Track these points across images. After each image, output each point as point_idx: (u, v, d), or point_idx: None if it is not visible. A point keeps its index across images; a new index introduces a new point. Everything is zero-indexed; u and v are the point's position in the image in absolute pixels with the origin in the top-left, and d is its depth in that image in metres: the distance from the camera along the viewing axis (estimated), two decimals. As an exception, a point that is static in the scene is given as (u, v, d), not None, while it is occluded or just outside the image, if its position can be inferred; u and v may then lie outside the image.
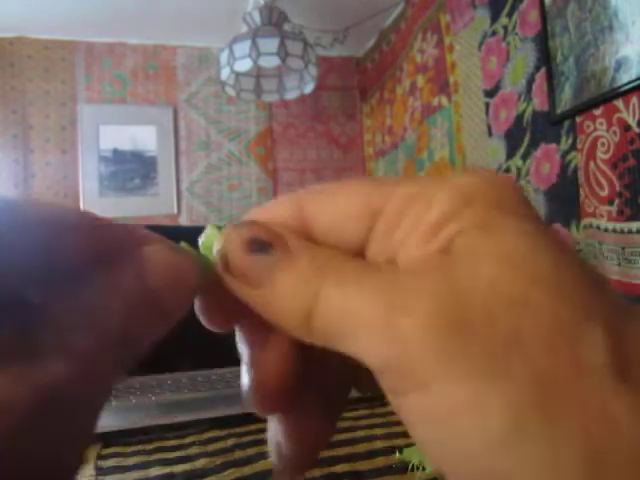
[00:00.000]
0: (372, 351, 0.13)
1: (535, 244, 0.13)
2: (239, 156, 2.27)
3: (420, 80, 1.88)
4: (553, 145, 1.23)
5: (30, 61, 2.10)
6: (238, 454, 0.48)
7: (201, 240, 0.16)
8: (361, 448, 0.47)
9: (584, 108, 1.11)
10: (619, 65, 1.01)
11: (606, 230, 1.08)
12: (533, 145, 1.29)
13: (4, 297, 0.12)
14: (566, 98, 1.16)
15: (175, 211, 2.16)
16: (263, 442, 0.50)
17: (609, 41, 1.03)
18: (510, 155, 1.38)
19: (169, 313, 0.14)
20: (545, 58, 1.22)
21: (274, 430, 0.18)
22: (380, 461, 0.45)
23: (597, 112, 1.09)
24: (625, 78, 0.99)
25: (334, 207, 0.16)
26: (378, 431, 0.51)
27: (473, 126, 1.56)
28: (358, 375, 0.19)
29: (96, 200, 2.07)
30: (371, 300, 0.13)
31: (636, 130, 1.00)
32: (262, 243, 0.15)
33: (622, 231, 1.04)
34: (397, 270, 0.14)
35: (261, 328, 0.17)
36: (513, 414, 0.11)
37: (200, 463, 0.46)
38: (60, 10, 1.91)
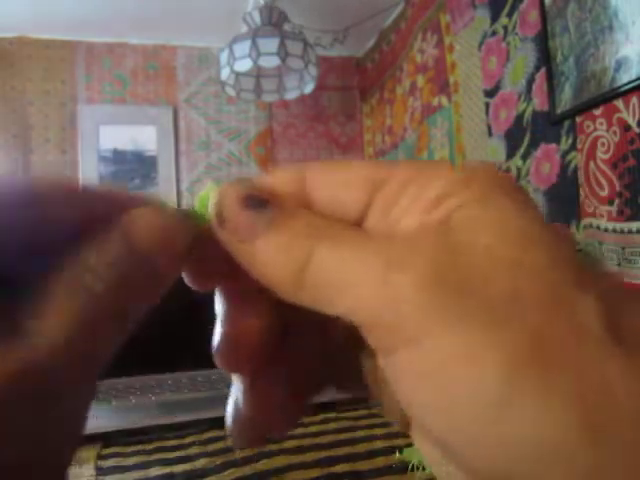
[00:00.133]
0: (364, 305, 0.13)
1: (533, 218, 0.13)
2: (239, 156, 2.27)
3: (420, 80, 1.88)
4: (553, 145, 1.23)
5: (30, 61, 2.10)
6: (238, 454, 0.48)
7: (199, 195, 0.16)
8: (361, 448, 0.47)
9: (584, 108, 1.11)
10: (619, 65, 1.01)
11: (606, 230, 1.08)
12: (533, 145, 1.29)
13: None
14: (566, 98, 1.16)
15: (175, 211, 2.16)
16: (263, 442, 0.50)
17: (609, 41, 1.03)
18: (510, 155, 1.38)
19: (162, 275, 0.14)
20: (545, 58, 1.22)
21: (236, 389, 0.18)
22: (380, 461, 0.45)
23: (597, 112, 1.09)
24: (625, 78, 0.99)
25: (335, 179, 0.16)
26: (378, 431, 0.51)
27: (473, 126, 1.56)
28: (338, 368, 0.19)
29: (96, 200, 2.07)
30: (366, 257, 0.13)
31: (636, 130, 1.00)
32: (259, 200, 0.14)
33: (622, 231, 1.04)
34: (394, 236, 0.14)
35: (244, 291, 0.17)
36: (508, 368, 0.11)
37: (200, 463, 0.46)
38: (60, 10, 1.91)
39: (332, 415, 0.57)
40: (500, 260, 0.12)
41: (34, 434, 0.11)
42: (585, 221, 1.14)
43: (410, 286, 0.12)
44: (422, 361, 0.12)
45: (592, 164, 1.11)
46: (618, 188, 1.05)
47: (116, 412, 0.58)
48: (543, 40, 1.22)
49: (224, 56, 1.71)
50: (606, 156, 1.08)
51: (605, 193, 1.09)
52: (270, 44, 1.62)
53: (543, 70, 1.23)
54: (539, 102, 1.27)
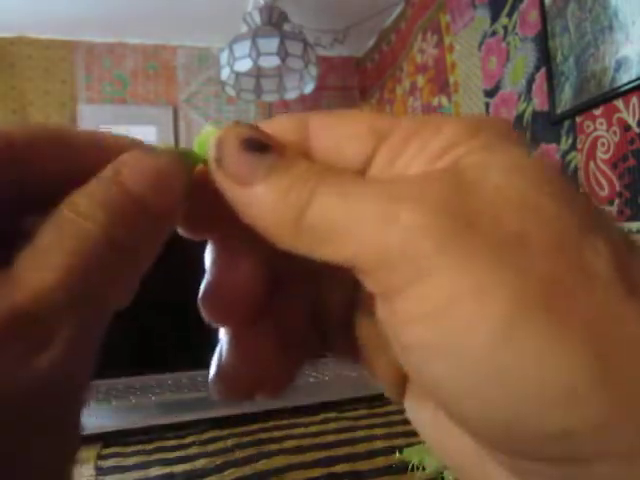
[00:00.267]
0: (368, 246, 0.12)
1: (541, 164, 0.13)
2: (239, 156, 2.27)
3: (420, 80, 1.88)
4: (553, 145, 1.23)
5: (30, 61, 2.10)
6: (238, 454, 0.48)
7: (198, 137, 0.16)
8: (361, 448, 0.47)
9: (584, 108, 1.11)
10: (619, 65, 1.01)
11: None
12: (533, 145, 1.29)
13: None
14: (566, 98, 1.16)
15: (175, 211, 2.16)
16: (263, 442, 0.50)
17: (609, 41, 1.03)
18: (510, 155, 1.38)
19: (161, 217, 0.14)
20: (545, 58, 1.22)
21: (222, 341, 0.17)
22: (380, 461, 0.45)
23: (597, 112, 1.09)
24: (625, 78, 0.99)
25: (338, 127, 0.15)
26: (378, 431, 0.51)
27: (473, 126, 1.56)
28: (329, 329, 0.18)
29: (96, 200, 2.07)
30: (370, 196, 0.13)
31: (636, 130, 1.00)
32: (260, 144, 0.14)
33: (622, 231, 1.04)
34: (399, 179, 0.14)
35: (236, 240, 0.16)
36: (517, 304, 0.11)
37: (200, 463, 0.46)
38: (60, 10, 1.91)
39: (332, 415, 0.57)
40: (509, 201, 0.12)
41: (30, 386, 0.11)
42: (585, 221, 1.14)
43: (418, 219, 0.12)
44: (428, 300, 0.11)
45: (592, 164, 1.11)
46: (618, 188, 1.05)
47: (116, 412, 0.58)
48: (543, 40, 1.22)
49: (224, 56, 1.71)
50: (606, 156, 1.08)
51: (605, 193, 1.09)
52: (270, 44, 1.63)
53: (543, 70, 1.24)
54: (539, 102, 1.27)
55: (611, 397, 0.10)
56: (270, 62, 1.67)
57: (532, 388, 0.10)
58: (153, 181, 0.14)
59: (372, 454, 0.46)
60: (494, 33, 1.44)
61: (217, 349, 0.18)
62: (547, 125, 1.24)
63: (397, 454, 0.44)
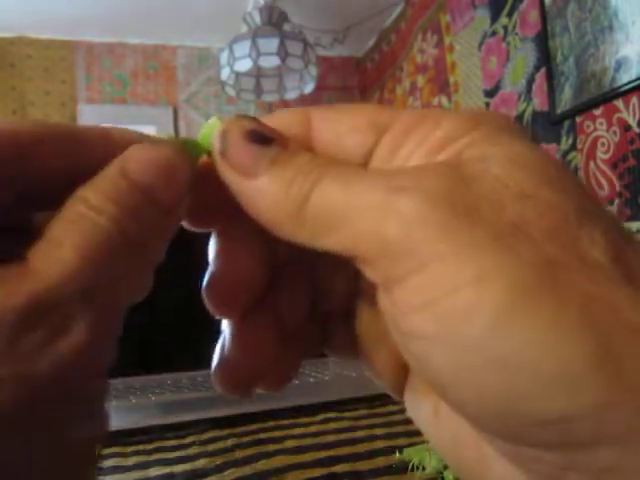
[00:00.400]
0: (369, 235, 0.12)
1: (542, 156, 0.13)
2: (239, 156, 2.27)
3: (420, 80, 1.88)
4: (553, 145, 1.23)
5: (30, 61, 2.10)
6: (238, 454, 0.48)
7: (202, 129, 0.16)
8: (361, 448, 0.47)
9: (584, 108, 1.11)
10: (619, 65, 1.01)
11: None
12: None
13: None
14: (566, 98, 1.16)
15: (175, 211, 2.17)
16: (263, 442, 0.50)
17: (609, 41, 1.03)
18: (510, 155, 1.38)
19: (169, 208, 0.14)
20: (545, 58, 1.22)
21: (224, 334, 0.18)
22: (380, 461, 0.45)
23: (597, 112, 1.09)
24: (625, 78, 0.99)
25: (339, 120, 0.15)
26: (378, 431, 0.51)
27: (473, 126, 1.56)
28: (329, 325, 0.19)
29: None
30: (371, 186, 0.13)
31: (636, 130, 1.00)
32: (263, 136, 0.14)
33: (622, 231, 1.04)
34: (401, 169, 0.14)
35: (239, 231, 0.16)
36: (516, 291, 0.11)
37: (200, 463, 0.46)
38: (60, 10, 1.91)
39: (332, 415, 0.57)
40: (510, 190, 0.12)
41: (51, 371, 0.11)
42: (585, 221, 1.14)
43: (419, 208, 0.12)
44: (427, 289, 0.12)
45: (592, 164, 1.11)
46: (618, 188, 1.05)
47: (116, 412, 0.58)
48: (543, 40, 1.22)
49: (224, 56, 1.71)
50: (606, 156, 1.08)
51: (605, 193, 1.09)
52: (270, 44, 1.62)
53: (543, 70, 1.24)
54: (539, 102, 1.27)
55: (609, 380, 0.10)
56: (270, 62, 1.67)
57: (531, 373, 0.11)
58: (160, 173, 0.14)
59: (372, 454, 0.46)
60: (494, 33, 1.44)
61: (220, 341, 0.18)
62: (547, 125, 1.24)
63: (397, 454, 0.44)
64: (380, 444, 0.47)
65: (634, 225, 1.02)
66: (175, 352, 0.74)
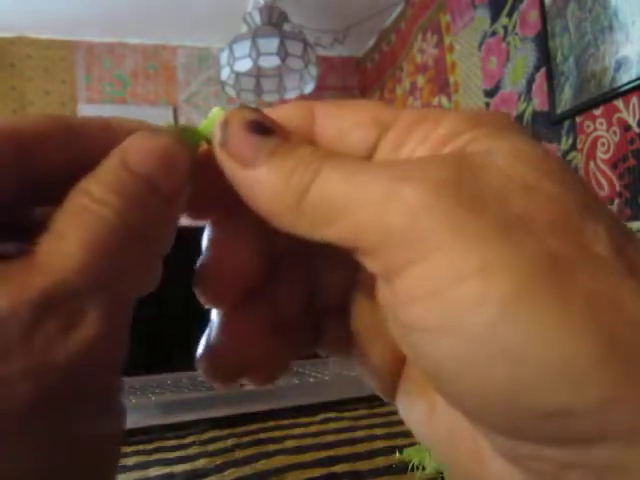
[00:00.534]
0: (371, 223, 0.12)
1: (544, 152, 0.13)
2: (239, 156, 2.27)
3: (420, 80, 1.88)
4: (553, 145, 1.23)
5: (30, 61, 2.10)
6: (238, 454, 0.48)
7: (205, 119, 0.16)
8: (361, 448, 0.47)
9: (584, 108, 1.11)
10: (619, 65, 1.01)
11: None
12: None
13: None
14: (566, 98, 1.16)
15: (175, 211, 2.17)
16: (263, 442, 0.50)
17: (609, 41, 1.03)
18: (510, 155, 1.39)
19: (170, 197, 0.14)
20: (545, 58, 1.22)
21: (213, 319, 0.18)
22: (380, 461, 0.45)
23: (597, 112, 1.09)
24: (625, 78, 0.99)
25: (343, 115, 0.15)
26: (378, 431, 0.51)
27: (473, 126, 1.56)
28: (324, 321, 0.18)
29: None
30: (374, 176, 0.13)
31: (636, 130, 1.00)
32: (265, 127, 0.14)
33: (622, 231, 1.04)
34: (404, 160, 0.14)
35: (235, 222, 0.16)
36: (521, 282, 0.11)
37: (200, 463, 0.46)
38: (60, 10, 1.91)
39: (332, 415, 0.57)
40: (513, 182, 0.12)
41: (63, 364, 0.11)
42: (585, 221, 1.14)
43: (421, 200, 0.12)
44: (431, 278, 0.11)
45: (592, 164, 1.11)
46: (618, 188, 1.05)
47: (116, 412, 0.58)
48: (543, 40, 1.22)
49: (224, 56, 1.71)
50: (606, 156, 1.08)
51: (605, 193, 1.09)
52: (270, 44, 1.63)
53: (543, 70, 1.24)
54: (539, 102, 1.27)
55: (614, 373, 0.10)
56: (270, 62, 1.67)
57: (536, 364, 0.10)
58: (160, 162, 0.14)
59: (372, 454, 0.46)
60: (494, 33, 1.44)
61: (207, 329, 0.17)
62: (547, 125, 1.24)
63: (397, 454, 0.44)
64: (380, 444, 0.47)
65: (634, 225, 1.02)
66: (175, 352, 0.74)
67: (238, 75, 1.84)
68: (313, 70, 1.77)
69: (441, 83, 1.73)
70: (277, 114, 0.15)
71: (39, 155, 0.13)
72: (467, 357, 0.11)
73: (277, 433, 0.52)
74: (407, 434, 0.50)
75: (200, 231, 0.18)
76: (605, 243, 0.11)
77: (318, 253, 0.17)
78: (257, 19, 1.73)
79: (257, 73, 1.90)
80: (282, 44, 1.63)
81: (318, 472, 0.43)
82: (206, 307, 0.17)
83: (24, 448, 0.11)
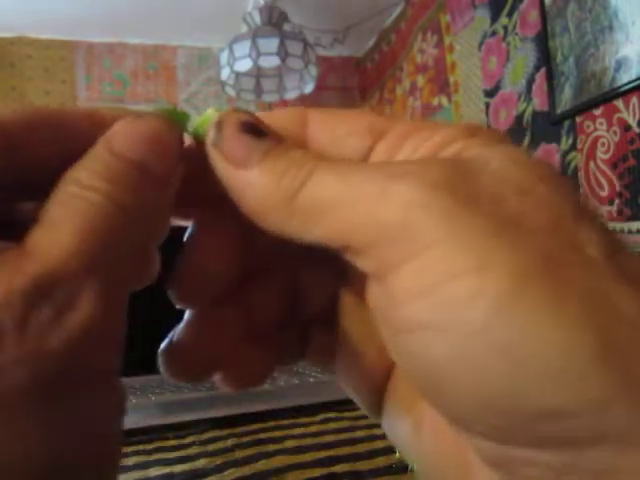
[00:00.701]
0: (365, 220, 0.12)
1: (537, 160, 0.13)
2: (239, 156, 2.27)
3: (420, 80, 1.88)
4: (553, 145, 1.23)
5: (30, 61, 2.10)
6: (238, 454, 0.48)
7: (199, 119, 0.16)
8: (361, 448, 0.47)
9: (584, 108, 1.11)
10: (619, 65, 1.01)
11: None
12: (533, 145, 1.29)
13: None
14: (566, 98, 1.16)
15: (175, 211, 2.16)
16: (263, 442, 0.50)
17: (609, 41, 1.03)
18: (510, 155, 1.38)
19: (161, 177, 0.14)
20: (545, 58, 1.22)
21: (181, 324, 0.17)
22: (380, 461, 0.45)
23: (597, 112, 1.09)
24: (625, 78, 0.99)
25: (337, 123, 0.15)
26: (378, 431, 0.51)
27: (473, 126, 1.56)
28: (306, 332, 0.18)
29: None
30: (369, 175, 0.13)
31: (636, 130, 1.00)
32: (258, 129, 0.14)
33: (622, 231, 1.04)
34: (399, 161, 0.14)
35: (219, 223, 0.16)
36: (517, 278, 0.11)
37: (200, 463, 0.46)
38: (60, 10, 1.91)
39: (332, 415, 0.57)
40: (508, 185, 0.12)
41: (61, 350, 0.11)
42: (585, 221, 1.14)
43: (417, 197, 0.12)
44: (426, 274, 0.11)
45: (592, 164, 1.11)
46: (618, 188, 1.05)
47: (116, 412, 0.58)
48: (543, 40, 1.22)
49: (224, 56, 1.71)
50: (606, 156, 1.08)
51: (605, 193, 1.09)
52: (270, 44, 1.62)
53: (543, 70, 1.23)
54: (539, 102, 1.27)
55: (609, 372, 0.10)
56: (270, 62, 1.67)
57: (531, 362, 0.10)
58: (148, 144, 0.14)
59: (372, 454, 0.46)
60: (494, 33, 1.44)
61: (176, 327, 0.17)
62: (547, 125, 1.24)
63: (397, 454, 0.44)
64: (380, 444, 0.47)
65: (634, 225, 1.02)
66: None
67: (238, 75, 1.84)
68: (313, 70, 1.76)
69: (441, 83, 1.73)
70: (272, 118, 0.15)
71: (27, 149, 0.13)
72: (462, 355, 0.11)
73: (277, 433, 0.52)
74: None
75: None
76: (598, 247, 0.11)
77: (303, 262, 0.17)
78: (257, 19, 1.73)
79: (257, 73, 1.90)
80: (282, 44, 1.63)
81: (318, 472, 0.43)
82: (177, 307, 0.17)
83: (26, 429, 0.11)
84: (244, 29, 1.76)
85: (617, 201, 1.05)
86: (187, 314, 0.17)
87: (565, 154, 1.19)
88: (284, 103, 2.20)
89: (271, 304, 0.18)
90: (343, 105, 2.39)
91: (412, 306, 0.12)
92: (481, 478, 0.13)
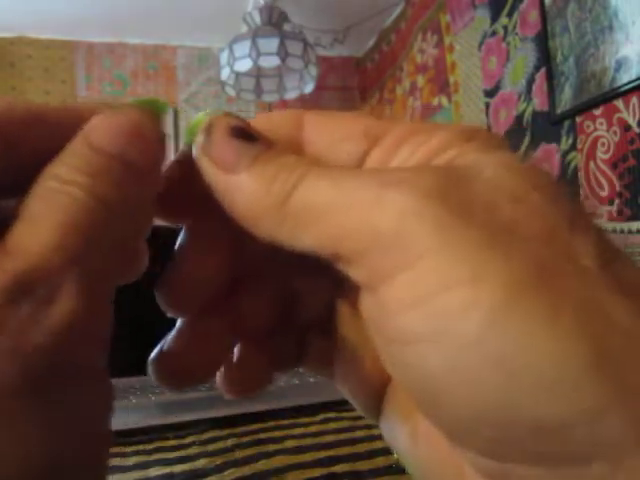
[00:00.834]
0: (358, 228, 0.12)
1: (532, 167, 0.13)
2: (239, 156, 2.27)
3: (420, 80, 1.88)
4: (553, 145, 1.23)
5: (30, 61, 2.10)
6: (238, 454, 0.48)
7: (189, 123, 0.16)
8: (361, 448, 0.47)
9: (584, 108, 1.11)
10: (619, 65, 1.01)
11: (606, 230, 1.08)
12: (533, 145, 1.29)
13: None
14: (566, 98, 1.16)
15: (175, 211, 2.16)
16: (263, 442, 0.50)
17: (609, 41, 1.03)
18: (510, 155, 1.38)
19: (143, 169, 0.14)
20: (545, 58, 1.22)
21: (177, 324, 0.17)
22: (380, 461, 0.45)
23: (597, 112, 1.09)
24: (625, 78, 0.99)
25: (332, 127, 0.15)
26: (378, 431, 0.51)
27: (473, 126, 1.56)
28: (302, 341, 0.18)
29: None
30: (362, 181, 0.12)
31: (636, 130, 1.00)
32: (248, 134, 0.14)
33: (622, 231, 1.04)
34: (393, 168, 0.14)
35: (209, 231, 0.16)
36: (512, 289, 0.11)
37: (200, 463, 0.46)
38: (60, 10, 1.91)
39: (332, 415, 0.57)
40: (502, 194, 0.12)
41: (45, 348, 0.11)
42: (585, 221, 1.14)
43: (410, 205, 0.11)
44: (419, 285, 0.11)
45: (592, 164, 1.11)
46: (618, 188, 1.05)
47: (116, 412, 0.58)
48: (543, 40, 1.22)
49: (224, 56, 1.71)
50: (606, 156, 1.08)
51: (605, 193, 1.09)
52: (270, 44, 1.62)
53: (543, 70, 1.23)
54: (539, 102, 1.27)
55: (604, 381, 0.10)
56: (270, 62, 1.67)
57: (525, 373, 0.10)
58: (126, 137, 0.13)
59: (372, 454, 0.46)
60: (494, 33, 1.44)
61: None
62: (547, 125, 1.24)
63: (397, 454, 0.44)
64: (380, 444, 0.47)
65: (634, 225, 1.02)
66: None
67: (238, 75, 1.84)
68: (313, 70, 1.76)
69: (441, 83, 1.73)
70: (266, 122, 0.15)
71: (6, 148, 0.13)
72: (455, 367, 0.11)
73: (277, 433, 0.52)
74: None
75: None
76: (593, 257, 0.11)
77: (296, 268, 0.17)
78: (257, 19, 1.73)
79: (257, 73, 1.90)
80: (282, 44, 1.63)
81: (318, 472, 0.43)
82: (167, 314, 0.17)
83: (10, 427, 0.11)
84: (244, 29, 1.76)
85: (617, 201, 1.05)
86: (178, 322, 0.17)
87: (565, 154, 1.19)
88: (284, 103, 2.20)
89: (262, 311, 0.17)
90: (343, 105, 2.39)
91: (405, 317, 0.12)
92: None
